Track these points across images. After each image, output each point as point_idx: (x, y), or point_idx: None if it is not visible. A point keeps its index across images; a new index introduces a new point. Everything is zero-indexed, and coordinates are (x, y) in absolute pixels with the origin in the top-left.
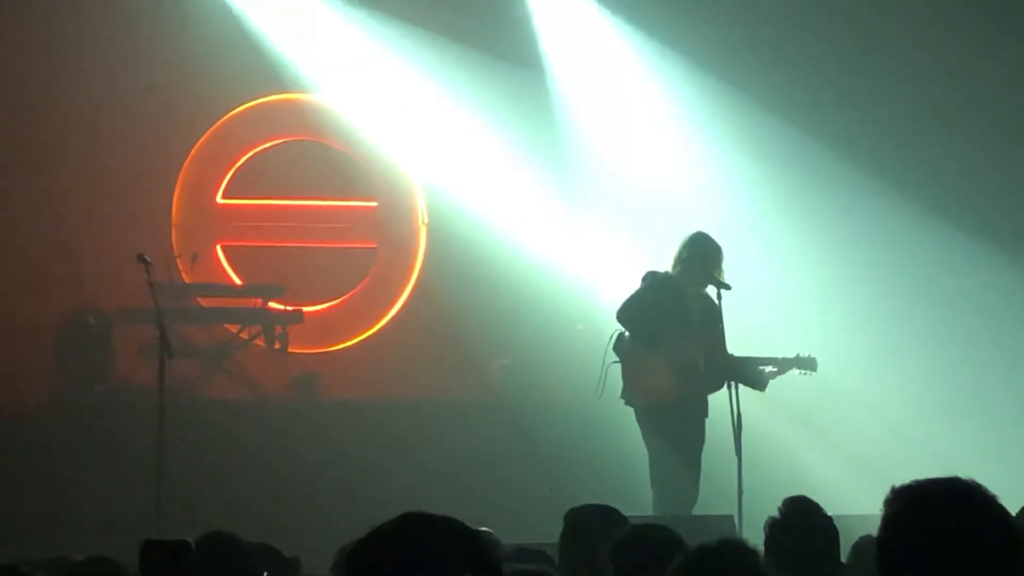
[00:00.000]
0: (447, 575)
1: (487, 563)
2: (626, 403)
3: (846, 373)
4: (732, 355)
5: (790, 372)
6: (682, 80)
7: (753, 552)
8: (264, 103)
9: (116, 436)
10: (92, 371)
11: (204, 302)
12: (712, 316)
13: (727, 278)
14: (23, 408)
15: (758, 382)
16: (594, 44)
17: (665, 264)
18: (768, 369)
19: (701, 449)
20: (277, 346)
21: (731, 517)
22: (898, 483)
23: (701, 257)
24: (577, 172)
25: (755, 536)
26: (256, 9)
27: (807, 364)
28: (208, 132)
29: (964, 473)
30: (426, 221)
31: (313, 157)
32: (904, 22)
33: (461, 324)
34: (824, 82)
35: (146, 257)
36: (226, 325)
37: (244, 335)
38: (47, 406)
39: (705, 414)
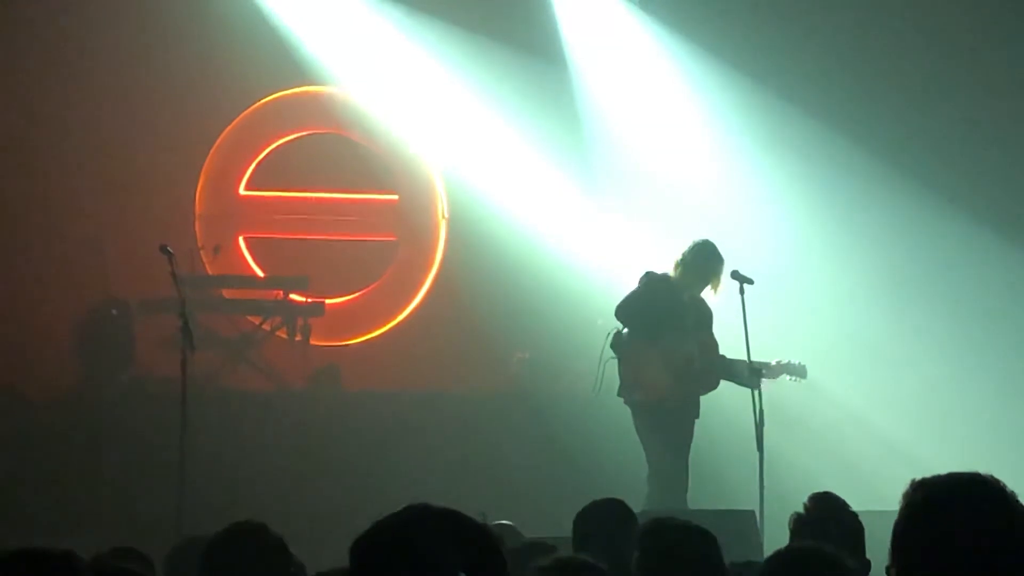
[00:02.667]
0: (449, 567)
1: (490, 556)
2: (624, 401)
3: (866, 372)
4: (724, 356)
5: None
6: (705, 75)
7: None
8: (287, 96)
9: (139, 426)
10: (115, 362)
11: (226, 293)
12: (706, 320)
13: (751, 274)
14: (47, 398)
15: (751, 381)
16: (616, 38)
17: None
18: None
19: (689, 445)
20: (299, 338)
21: (752, 512)
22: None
23: (701, 263)
24: (598, 166)
25: (777, 531)
26: (279, 2)
27: (797, 371)
28: (231, 124)
29: (989, 468)
30: (447, 215)
31: (335, 150)
32: (935, 19)
33: (482, 317)
34: (851, 79)
35: (169, 248)
36: (248, 317)
37: (266, 327)
38: (70, 396)
39: (696, 415)
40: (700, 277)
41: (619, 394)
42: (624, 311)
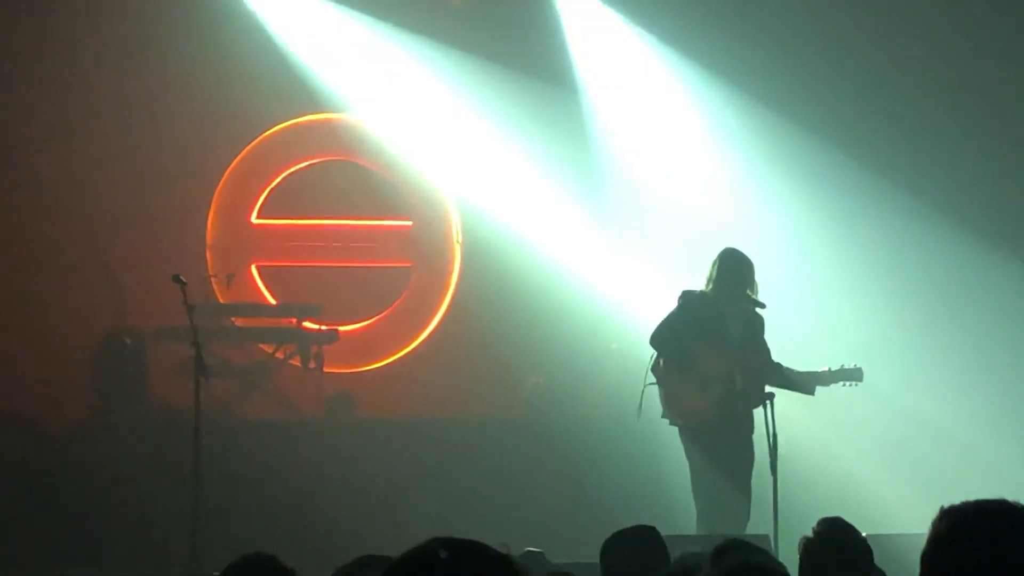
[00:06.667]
0: None
1: None
2: (669, 423)
3: (888, 387)
4: (779, 364)
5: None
6: (717, 99)
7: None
8: (299, 123)
9: (152, 455)
10: (128, 391)
11: (239, 322)
12: (756, 329)
13: (761, 295)
14: (60, 428)
15: (806, 386)
16: (628, 63)
17: (699, 282)
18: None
19: (750, 467)
20: (312, 365)
21: (767, 537)
22: (946, 503)
23: (733, 273)
24: (611, 190)
25: (791, 555)
26: (291, 30)
27: (852, 375)
28: (243, 152)
29: (1012, 484)
30: (460, 240)
31: (348, 177)
32: (943, 43)
33: (496, 342)
34: (861, 101)
35: (182, 278)
36: (261, 345)
37: (279, 355)
38: (83, 426)
39: (751, 431)
40: (737, 286)
41: (663, 417)
42: (656, 340)
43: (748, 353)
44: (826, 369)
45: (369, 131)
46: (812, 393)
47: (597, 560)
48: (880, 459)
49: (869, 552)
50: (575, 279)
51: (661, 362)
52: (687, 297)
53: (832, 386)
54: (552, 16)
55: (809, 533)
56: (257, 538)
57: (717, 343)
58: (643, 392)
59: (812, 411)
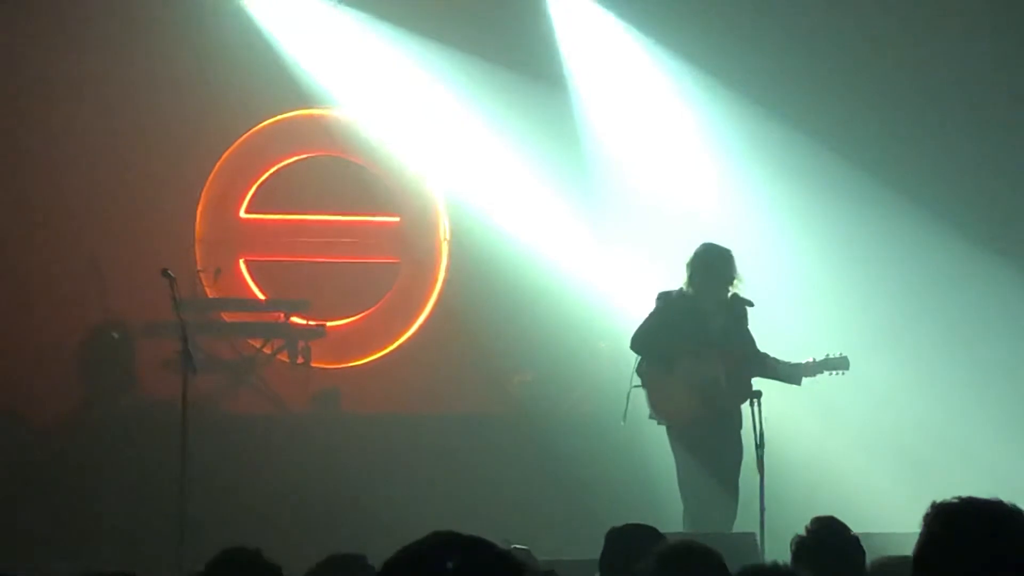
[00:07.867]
0: None
1: None
2: (657, 423)
3: (880, 384)
4: (766, 354)
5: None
6: (707, 97)
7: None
8: (288, 118)
9: (140, 450)
10: (116, 385)
11: (227, 317)
12: (739, 320)
13: (747, 291)
14: (47, 422)
15: (792, 377)
16: (618, 61)
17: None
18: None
19: (738, 465)
20: (300, 361)
21: (753, 535)
22: (938, 500)
23: (710, 268)
24: (601, 189)
25: (779, 554)
26: (280, 25)
27: (838, 364)
28: (232, 147)
29: (1001, 481)
30: (448, 237)
31: (336, 172)
32: (932, 42)
33: (483, 340)
34: (853, 101)
35: (170, 272)
36: (249, 340)
37: (267, 350)
38: (71, 420)
39: (738, 427)
40: (716, 281)
41: (651, 418)
42: (637, 343)
43: (732, 346)
44: (811, 359)
45: (358, 127)
46: (799, 383)
47: (584, 557)
48: (869, 456)
49: (862, 552)
50: (563, 276)
51: (645, 363)
52: (665, 298)
53: (822, 382)
54: (542, 13)
55: (801, 531)
56: (244, 532)
57: (699, 340)
58: (628, 395)
59: (800, 407)
